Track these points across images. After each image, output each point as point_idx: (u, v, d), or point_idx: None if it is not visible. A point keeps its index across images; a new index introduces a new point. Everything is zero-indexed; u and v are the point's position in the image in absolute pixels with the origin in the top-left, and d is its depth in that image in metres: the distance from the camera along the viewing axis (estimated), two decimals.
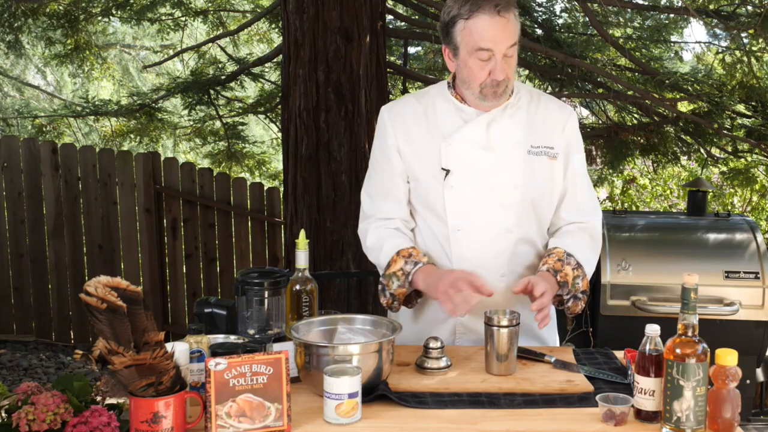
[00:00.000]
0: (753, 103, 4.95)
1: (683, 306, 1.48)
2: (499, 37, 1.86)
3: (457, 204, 1.97)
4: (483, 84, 1.90)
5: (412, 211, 2.07)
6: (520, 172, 1.96)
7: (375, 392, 1.62)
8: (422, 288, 1.94)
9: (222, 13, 6.69)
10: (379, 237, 2.03)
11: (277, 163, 7.53)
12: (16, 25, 5.79)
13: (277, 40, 7.06)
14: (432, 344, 1.81)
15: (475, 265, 1.95)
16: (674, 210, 7.28)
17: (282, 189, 4.92)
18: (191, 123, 6.57)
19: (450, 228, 1.99)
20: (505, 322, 1.76)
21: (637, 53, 5.16)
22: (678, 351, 1.46)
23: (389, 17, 5.37)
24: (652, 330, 1.54)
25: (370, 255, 2.07)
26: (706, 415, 1.50)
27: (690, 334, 1.47)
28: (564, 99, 5.42)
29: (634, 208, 7.17)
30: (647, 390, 1.51)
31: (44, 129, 7.37)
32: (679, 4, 5.28)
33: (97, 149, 5.45)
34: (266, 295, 1.82)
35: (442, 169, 1.97)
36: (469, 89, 1.94)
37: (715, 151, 5.64)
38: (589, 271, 2.01)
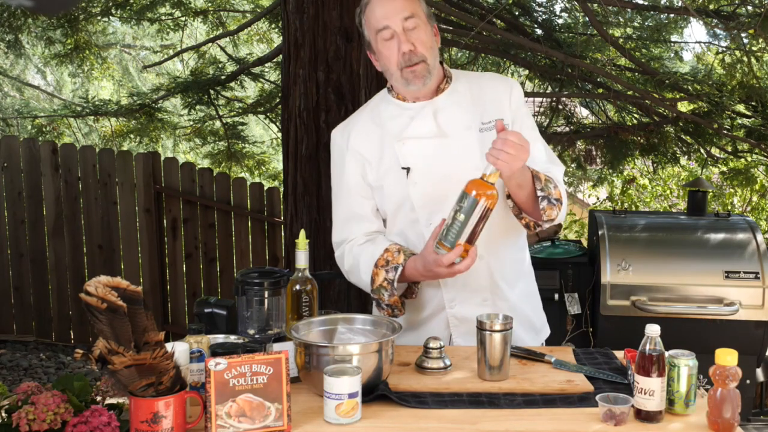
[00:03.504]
0: (753, 103, 4.96)
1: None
2: (389, 11, 1.92)
3: (423, 198, 1.98)
4: (399, 63, 1.93)
5: (386, 220, 2.09)
6: (477, 154, 1.95)
7: (375, 392, 1.62)
8: (421, 280, 1.96)
9: (222, 13, 6.69)
10: (354, 256, 2.04)
11: (277, 163, 7.54)
12: (15, 24, 5.79)
13: (277, 40, 7.07)
14: (432, 344, 1.81)
15: None
16: (674, 210, 7.28)
17: (282, 189, 4.92)
18: (191, 123, 6.57)
19: (422, 223, 1.99)
20: (498, 327, 1.74)
21: (637, 53, 5.17)
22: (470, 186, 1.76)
23: None
24: (652, 330, 1.54)
25: (352, 278, 2.08)
26: (707, 415, 1.50)
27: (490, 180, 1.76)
28: (564, 99, 5.43)
29: (634, 208, 7.17)
30: (647, 390, 1.51)
31: (44, 129, 7.37)
32: (679, 4, 5.28)
33: (97, 149, 5.46)
34: (266, 295, 1.82)
35: (402, 168, 1.99)
36: (393, 77, 1.98)
37: (715, 151, 5.64)
38: (561, 190, 1.96)
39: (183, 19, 6.15)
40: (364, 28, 1.99)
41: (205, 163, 7.24)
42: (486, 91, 2.04)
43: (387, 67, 1.97)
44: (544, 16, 5.49)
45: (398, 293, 1.96)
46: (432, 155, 1.98)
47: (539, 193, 1.91)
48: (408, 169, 1.99)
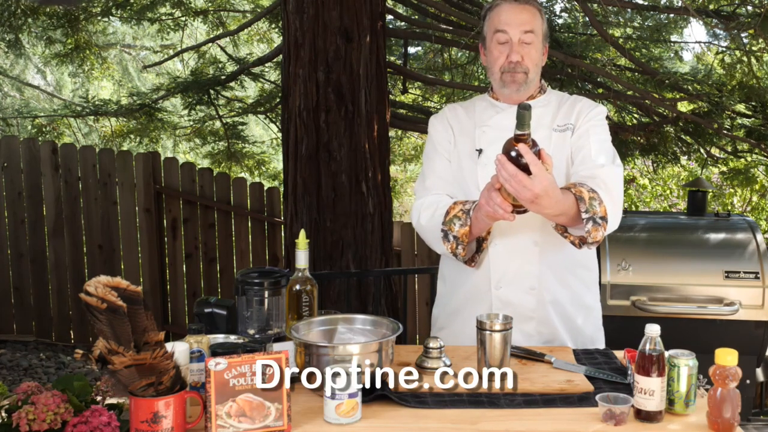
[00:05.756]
0: (753, 103, 4.95)
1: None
2: (513, 20, 2.06)
3: (488, 180, 1.99)
4: (502, 67, 2.07)
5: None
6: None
7: (375, 392, 1.62)
8: (485, 219, 1.96)
9: (222, 13, 6.69)
10: (437, 200, 2.12)
11: (277, 163, 7.53)
12: (15, 24, 5.79)
13: (277, 40, 7.06)
14: (432, 344, 1.81)
15: (509, 236, 2.06)
16: (674, 210, 7.28)
17: (282, 189, 4.92)
18: (191, 123, 6.56)
19: None
20: (498, 327, 1.74)
21: (637, 53, 5.16)
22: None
23: (389, 17, 5.37)
24: (652, 330, 1.54)
25: (424, 215, 2.10)
26: (707, 415, 1.50)
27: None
28: None
29: (634, 208, 7.17)
30: (647, 390, 1.51)
31: (44, 129, 7.37)
32: (679, 4, 5.27)
33: (97, 149, 5.46)
34: (266, 295, 1.82)
35: (476, 150, 2.14)
36: (493, 76, 2.12)
37: (715, 151, 5.63)
38: (608, 202, 1.93)
39: (183, 19, 6.14)
40: (485, 23, 2.14)
41: (205, 163, 7.23)
42: (570, 104, 2.16)
43: (491, 66, 2.12)
44: None
45: (470, 224, 1.99)
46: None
47: (584, 215, 1.91)
48: (480, 151, 2.13)
